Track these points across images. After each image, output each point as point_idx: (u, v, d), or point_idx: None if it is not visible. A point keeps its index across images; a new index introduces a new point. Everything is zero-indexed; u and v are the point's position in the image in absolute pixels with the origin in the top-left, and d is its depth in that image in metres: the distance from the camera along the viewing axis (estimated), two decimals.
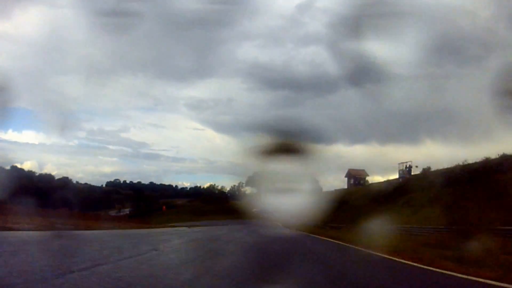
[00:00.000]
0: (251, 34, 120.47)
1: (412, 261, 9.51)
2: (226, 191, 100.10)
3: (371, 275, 7.83)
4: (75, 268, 5.70)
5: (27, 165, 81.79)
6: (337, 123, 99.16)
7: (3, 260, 6.34)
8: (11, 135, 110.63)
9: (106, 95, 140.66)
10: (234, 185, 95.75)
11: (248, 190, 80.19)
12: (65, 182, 77.80)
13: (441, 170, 35.59)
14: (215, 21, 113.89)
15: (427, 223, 21.48)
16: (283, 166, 12.56)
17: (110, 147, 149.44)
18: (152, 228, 30.34)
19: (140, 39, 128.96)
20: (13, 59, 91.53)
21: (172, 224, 43.30)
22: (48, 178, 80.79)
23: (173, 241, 14.50)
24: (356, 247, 13.80)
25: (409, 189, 33.95)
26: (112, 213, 76.39)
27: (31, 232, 12.74)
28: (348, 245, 15.41)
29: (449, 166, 33.50)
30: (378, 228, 14.75)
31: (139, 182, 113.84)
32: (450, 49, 71.19)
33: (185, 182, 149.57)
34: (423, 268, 8.59)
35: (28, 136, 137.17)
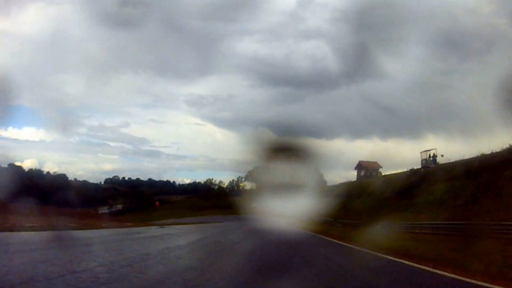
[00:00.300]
0: (251, 30, 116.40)
1: None
2: (225, 186, 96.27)
3: None
4: None
5: (27, 163, 78.91)
6: (338, 119, 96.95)
7: None
8: (11, 132, 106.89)
9: (107, 92, 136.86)
10: (233, 180, 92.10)
11: (247, 185, 77.02)
12: (62, 179, 75.43)
13: (465, 160, 30.47)
14: (216, 17, 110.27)
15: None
16: (284, 160, 11.95)
17: (111, 143, 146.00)
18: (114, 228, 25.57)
19: (141, 35, 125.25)
20: (14, 56, 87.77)
21: (160, 222, 39.07)
22: (38, 173, 77.55)
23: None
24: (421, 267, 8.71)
25: (432, 180, 28.83)
26: (104, 210, 72.88)
27: None
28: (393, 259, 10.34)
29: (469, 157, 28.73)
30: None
31: (137, 179, 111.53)
32: (453, 44, 69.42)
33: (186, 179, 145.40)
34: None
35: (29, 133, 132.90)
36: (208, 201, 74.95)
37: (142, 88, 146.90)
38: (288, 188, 13.62)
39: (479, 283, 6.33)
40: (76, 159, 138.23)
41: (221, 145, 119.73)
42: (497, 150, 24.11)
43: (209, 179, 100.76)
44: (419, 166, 32.77)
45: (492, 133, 31.41)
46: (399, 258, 9.69)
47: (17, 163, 71.32)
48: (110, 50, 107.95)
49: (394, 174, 33.92)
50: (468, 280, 6.64)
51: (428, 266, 8.21)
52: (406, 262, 9.04)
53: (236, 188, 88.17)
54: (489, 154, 25.79)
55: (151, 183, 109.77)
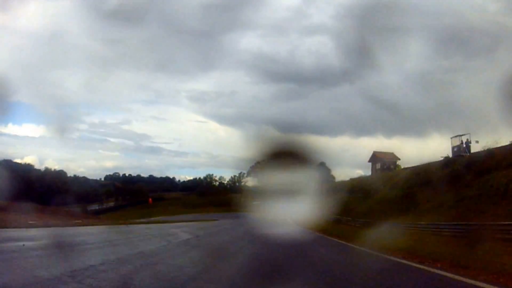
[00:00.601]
0: (254, 25, 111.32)
1: None
2: (225, 182, 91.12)
3: None
4: None
5: (27, 160, 75.43)
6: (343, 116, 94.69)
7: None
8: (11, 128, 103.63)
9: (108, 88, 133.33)
10: (235, 176, 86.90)
11: (249, 181, 72.43)
12: (59, 174, 71.85)
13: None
14: (218, 12, 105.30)
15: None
16: (288, 157, 11.03)
17: (112, 139, 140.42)
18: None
19: (142, 31, 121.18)
20: (14, 52, 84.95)
21: (137, 221, 34.02)
22: (28, 168, 73.27)
23: None
24: None
25: (465, 172, 22.85)
26: (94, 206, 68.52)
27: None
28: None
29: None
30: None
31: (138, 175, 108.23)
32: (459, 41, 68.08)
33: (188, 176, 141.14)
34: None
35: (29, 129, 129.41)
36: (206, 198, 70.34)
37: (143, 84, 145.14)
38: (293, 184, 12.48)
39: None
40: (77, 155, 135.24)
41: (223, 142, 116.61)
42: None
43: (209, 174, 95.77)
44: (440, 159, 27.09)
45: (497, 132, 26.93)
46: None
47: (17, 160, 69.40)
48: (111, 46, 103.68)
49: (421, 165, 28.07)
50: None
51: None
52: None
53: (237, 184, 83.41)
54: None
55: (151, 180, 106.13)
